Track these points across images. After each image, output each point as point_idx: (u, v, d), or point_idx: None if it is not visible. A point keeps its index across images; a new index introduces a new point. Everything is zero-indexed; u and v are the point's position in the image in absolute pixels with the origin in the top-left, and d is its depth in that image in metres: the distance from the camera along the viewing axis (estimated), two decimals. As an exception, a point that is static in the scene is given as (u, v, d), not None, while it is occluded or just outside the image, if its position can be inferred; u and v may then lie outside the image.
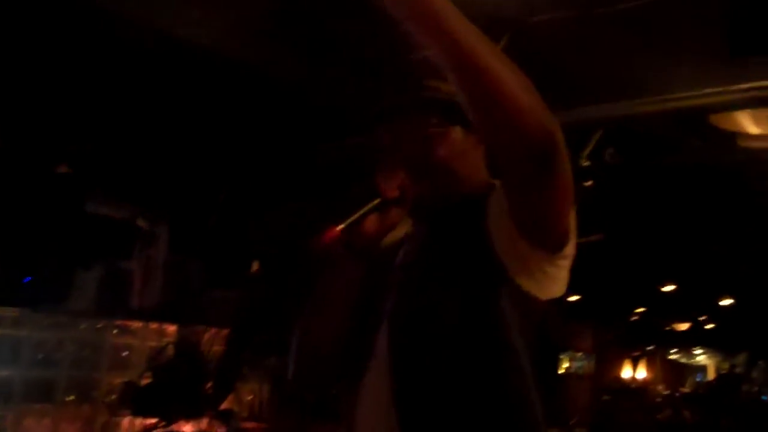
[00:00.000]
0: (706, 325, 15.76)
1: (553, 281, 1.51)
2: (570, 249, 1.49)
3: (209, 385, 5.28)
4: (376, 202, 1.56)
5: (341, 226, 1.50)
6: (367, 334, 1.62)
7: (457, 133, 1.64)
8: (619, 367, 17.76)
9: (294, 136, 4.74)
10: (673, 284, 10.80)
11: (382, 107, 1.70)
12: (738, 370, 14.30)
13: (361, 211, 1.54)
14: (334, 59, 3.87)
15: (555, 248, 1.46)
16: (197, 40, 3.78)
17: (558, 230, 1.44)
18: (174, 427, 5.01)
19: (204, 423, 5.19)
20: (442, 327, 1.51)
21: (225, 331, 5.51)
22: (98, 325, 5.40)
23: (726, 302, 11.51)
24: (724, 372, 17.00)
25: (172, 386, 5.07)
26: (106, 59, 3.96)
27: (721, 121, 4.14)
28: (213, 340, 5.35)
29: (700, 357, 21.40)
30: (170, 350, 5.27)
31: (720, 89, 3.41)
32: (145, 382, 5.10)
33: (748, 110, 3.88)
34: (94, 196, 5.70)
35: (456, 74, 1.28)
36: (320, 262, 1.62)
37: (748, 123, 4.16)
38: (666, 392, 17.90)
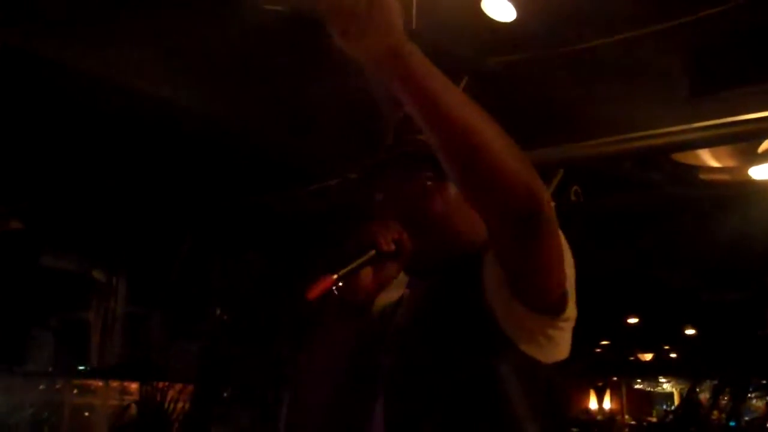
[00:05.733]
0: (670, 354, 15.91)
1: (557, 345, 1.45)
2: (571, 311, 1.44)
3: (176, 444, 5.14)
4: (371, 254, 1.48)
5: (336, 276, 1.40)
6: (361, 400, 1.55)
7: (452, 187, 1.56)
8: (586, 398, 17.83)
9: (253, 185, 4.69)
10: (637, 317, 10.90)
11: (375, 160, 1.64)
12: (701, 395, 14.42)
13: (357, 262, 1.45)
14: (296, 111, 3.84)
15: (554, 312, 1.41)
16: (154, 92, 3.72)
17: (553, 294, 1.39)
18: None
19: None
20: (440, 394, 1.44)
21: (190, 387, 5.37)
22: (57, 386, 5.24)
23: (689, 332, 11.62)
24: (686, 398, 17.12)
25: (137, 446, 4.93)
26: (57, 112, 3.89)
27: (682, 155, 4.17)
28: (178, 396, 5.21)
29: (666, 385, 21.54)
30: (133, 409, 5.13)
31: (681, 128, 3.43)
32: (108, 443, 4.95)
33: (708, 145, 3.91)
34: (49, 249, 5.59)
35: (435, 134, 1.23)
36: (307, 314, 1.53)
37: (708, 157, 4.20)
38: (632, 422, 17.97)
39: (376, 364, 1.57)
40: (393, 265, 1.52)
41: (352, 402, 1.57)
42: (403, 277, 1.65)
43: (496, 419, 1.41)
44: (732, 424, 13.34)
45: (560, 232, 1.38)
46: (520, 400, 1.41)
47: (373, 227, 1.49)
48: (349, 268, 1.43)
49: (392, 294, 1.65)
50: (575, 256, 1.46)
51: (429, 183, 1.56)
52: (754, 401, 14.55)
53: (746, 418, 14.39)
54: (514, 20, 3.10)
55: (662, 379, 20.84)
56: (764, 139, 3.81)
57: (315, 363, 1.60)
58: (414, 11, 2.81)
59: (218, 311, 5.53)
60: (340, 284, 1.40)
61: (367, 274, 1.49)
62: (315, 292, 1.36)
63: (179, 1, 3.04)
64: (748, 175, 4.16)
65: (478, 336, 1.43)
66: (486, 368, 1.41)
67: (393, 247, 1.49)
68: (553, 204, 1.32)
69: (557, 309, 1.41)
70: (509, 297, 1.38)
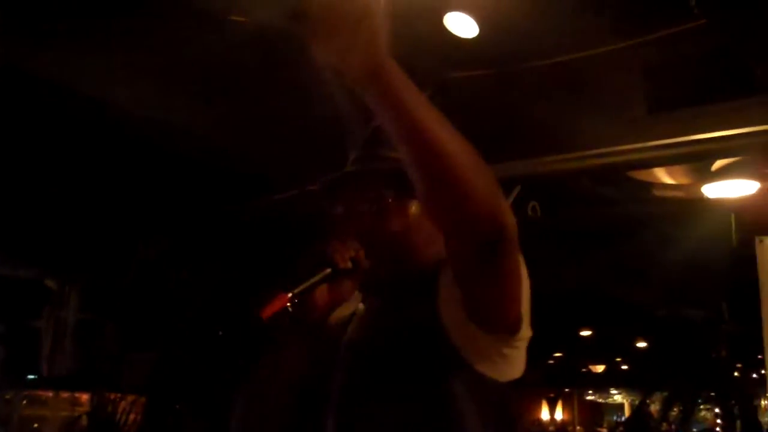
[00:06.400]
0: (621, 366, 16.10)
1: (511, 364, 1.46)
2: (526, 331, 1.44)
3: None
4: (327, 272, 1.47)
5: (291, 294, 1.39)
6: (313, 418, 1.53)
7: (413, 206, 1.57)
8: (538, 409, 17.97)
9: (212, 195, 4.65)
10: (590, 329, 11.02)
11: (336, 176, 1.63)
12: (652, 406, 14.62)
13: (312, 280, 1.44)
14: (259, 122, 3.82)
15: (509, 332, 1.41)
16: (111, 100, 3.68)
17: (508, 316, 1.40)
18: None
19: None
20: (392, 413, 1.43)
21: (143, 398, 5.28)
22: (6, 396, 5.13)
23: (641, 344, 11.78)
24: (636, 409, 17.34)
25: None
26: (10, 118, 3.82)
27: (638, 172, 4.23)
28: (130, 408, 5.12)
29: (617, 396, 21.79)
30: (84, 420, 5.04)
31: (639, 146, 3.48)
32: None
33: (663, 162, 3.97)
34: (0, 257, 5.49)
35: (409, 149, 1.23)
36: (262, 330, 1.52)
37: (662, 174, 4.27)
38: (584, 433, 18.17)
39: (328, 380, 1.55)
40: (348, 283, 1.52)
41: (304, 418, 1.55)
42: (358, 294, 1.64)
43: None
44: (681, 436, 13.57)
45: (520, 255, 1.39)
46: (474, 418, 1.41)
47: (330, 244, 1.49)
48: (303, 286, 1.42)
49: (346, 309, 1.64)
50: (531, 270, 1.47)
51: (390, 200, 1.56)
52: (702, 413, 14.80)
53: (695, 430, 14.64)
54: (476, 36, 3.12)
55: (613, 391, 21.08)
56: (718, 158, 3.88)
57: (268, 378, 1.58)
58: (376, 25, 2.81)
59: (173, 322, 5.46)
60: (295, 302, 1.40)
61: (321, 292, 1.49)
62: (269, 311, 1.35)
63: (146, 13, 3.01)
64: (701, 192, 4.24)
65: (432, 355, 1.42)
66: (440, 387, 1.41)
67: (350, 264, 1.49)
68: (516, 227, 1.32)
69: (512, 329, 1.42)
70: (464, 318, 1.39)
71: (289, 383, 1.54)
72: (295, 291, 1.41)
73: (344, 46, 1.11)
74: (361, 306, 1.67)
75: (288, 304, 1.39)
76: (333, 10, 1.10)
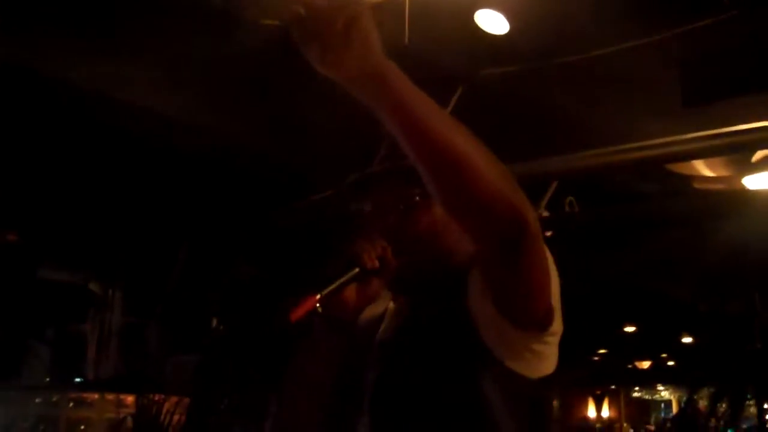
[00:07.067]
0: (667, 362, 15.89)
1: (543, 360, 1.44)
2: (557, 326, 1.43)
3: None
4: (355, 271, 1.48)
5: (319, 296, 1.40)
6: (347, 416, 1.54)
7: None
8: (584, 407, 17.80)
9: (253, 198, 4.69)
10: (634, 325, 10.90)
11: (365, 174, 1.64)
12: (700, 403, 14.42)
13: (340, 281, 1.45)
14: (292, 126, 3.85)
15: (540, 327, 1.40)
16: (153, 107, 3.73)
17: (538, 310, 1.39)
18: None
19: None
20: (425, 411, 1.44)
21: (186, 399, 5.35)
22: (53, 399, 5.22)
23: (686, 340, 11.62)
24: (684, 406, 17.14)
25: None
26: (54, 126, 3.90)
27: (676, 165, 4.18)
28: (174, 409, 5.18)
29: (664, 393, 21.50)
30: (129, 422, 5.11)
31: (676, 138, 3.43)
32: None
33: (702, 155, 3.92)
34: (45, 262, 5.59)
35: (417, 154, 1.22)
36: (294, 332, 1.54)
37: (702, 167, 4.21)
38: (631, 430, 17.95)
39: (361, 379, 1.56)
40: (377, 282, 1.53)
41: (338, 418, 1.56)
42: (387, 294, 1.65)
43: None
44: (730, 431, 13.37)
45: (546, 248, 1.38)
46: (507, 416, 1.41)
47: (357, 244, 1.49)
48: (332, 287, 1.43)
49: (377, 308, 1.65)
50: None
51: (417, 199, 1.55)
52: (752, 409, 14.56)
53: (744, 426, 14.40)
54: (507, 32, 3.12)
55: (660, 387, 20.79)
56: (758, 149, 3.82)
57: (301, 379, 1.59)
58: (407, 24, 2.82)
59: (215, 323, 5.52)
60: (325, 303, 1.41)
61: (351, 291, 1.49)
62: (298, 313, 1.36)
63: (177, 17, 3.05)
64: (742, 184, 4.17)
65: (463, 352, 1.42)
66: (471, 385, 1.40)
67: (377, 264, 1.49)
68: (539, 219, 1.31)
69: (543, 324, 1.40)
70: (494, 314, 1.38)
71: (323, 383, 1.56)
72: (324, 292, 1.42)
73: (337, 53, 1.10)
74: (391, 305, 1.67)
75: (317, 305, 1.40)
76: (321, 15, 1.09)
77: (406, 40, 2.75)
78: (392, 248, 1.53)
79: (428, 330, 1.50)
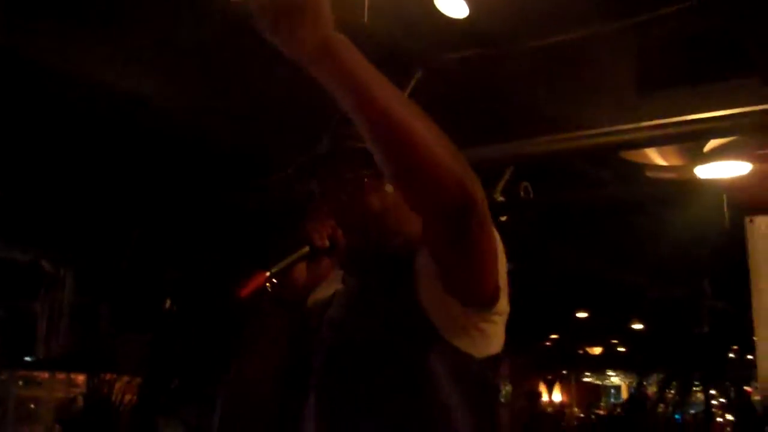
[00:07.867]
0: (618, 348, 16.15)
1: (489, 339, 1.46)
2: (503, 305, 1.45)
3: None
4: (305, 250, 1.48)
5: (269, 273, 1.41)
6: (295, 396, 1.55)
7: (389, 184, 1.55)
8: (536, 391, 18.02)
9: (207, 179, 4.66)
10: (585, 311, 11.05)
11: (314, 155, 1.62)
12: (648, 388, 14.70)
13: (290, 259, 1.46)
14: (248, 104, 3.82)
15: (485, 305, 1.41)
16: (105, 85, 3.68)
17: (484, 289, 1.40)
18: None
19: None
20: (369, 389, 1.44)
21: (138, 379, 5.31)
22: (2, 377, 5.15)
23: (637, 326, 11.81)
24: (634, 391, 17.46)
25: (83, 439, 4.87)
26: (6, 102, 3.82)
27: (630, 153, 4.23)
28: (125, 388, 5.15)
29: (614, 378, 21.87)
30: (80, 401, 5.06)
31: (630, 126, 3.47)
32: (54, 436, 4.89)
33: (656, 144, 3.97)
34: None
35: (366, 127, 1.22)
36: (244, 310, 1.53)
37: (654, 155, 4.26)
38: (581, 414, 18.24)
39: (309, 359, 1.56)
40: (327, 261, 1.53)
41: (286, 397, 1.56)
42: (338, 273, 1.65)
43: (428, 415, 1.41)
44: (677, 417, 13.66)
45: (493, 228, 1.39)
46: (452, 394, 1.42)
47: (308, 224, 1.50)
48: (282, 264, 1.44)
49: (328, 289, 1.65)
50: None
51: (366, 179, 1.55)
52: (699, 394, 14.88)
53: (692, 411, 14.72)
54: (467, 16, 3.12)
55: (611, 373, 21.15)
56: (710, 138, 3.88)
57: (251, 357, 1.59)
58: (366, 5, 2.81)
59: (167, 303, 5.48)
60: (274, 281, 1.41)
61: (301, 270, 1.50)
62: (247, 289, 1.36)
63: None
64: (694, 173, 4.24)
65: (409, 330, 1.43)
66: (417, 363, 1.41)
67: (327, 243, 1.50)
68: (494, 204, 1.33)
69: (489, 303, 1.42)
70: (441, 292, 1.39)
71: (273, 362, 1.56)
72: (273, 270, 1.42)
73: (291, 24, 1.10)
74: (341, 286, 1.68)
75: (267, 282, 1.40)
76: None
77: (365, 18, 2.74)
78: (342, 228, 1.53)
79: (375, 308, 1.51)
